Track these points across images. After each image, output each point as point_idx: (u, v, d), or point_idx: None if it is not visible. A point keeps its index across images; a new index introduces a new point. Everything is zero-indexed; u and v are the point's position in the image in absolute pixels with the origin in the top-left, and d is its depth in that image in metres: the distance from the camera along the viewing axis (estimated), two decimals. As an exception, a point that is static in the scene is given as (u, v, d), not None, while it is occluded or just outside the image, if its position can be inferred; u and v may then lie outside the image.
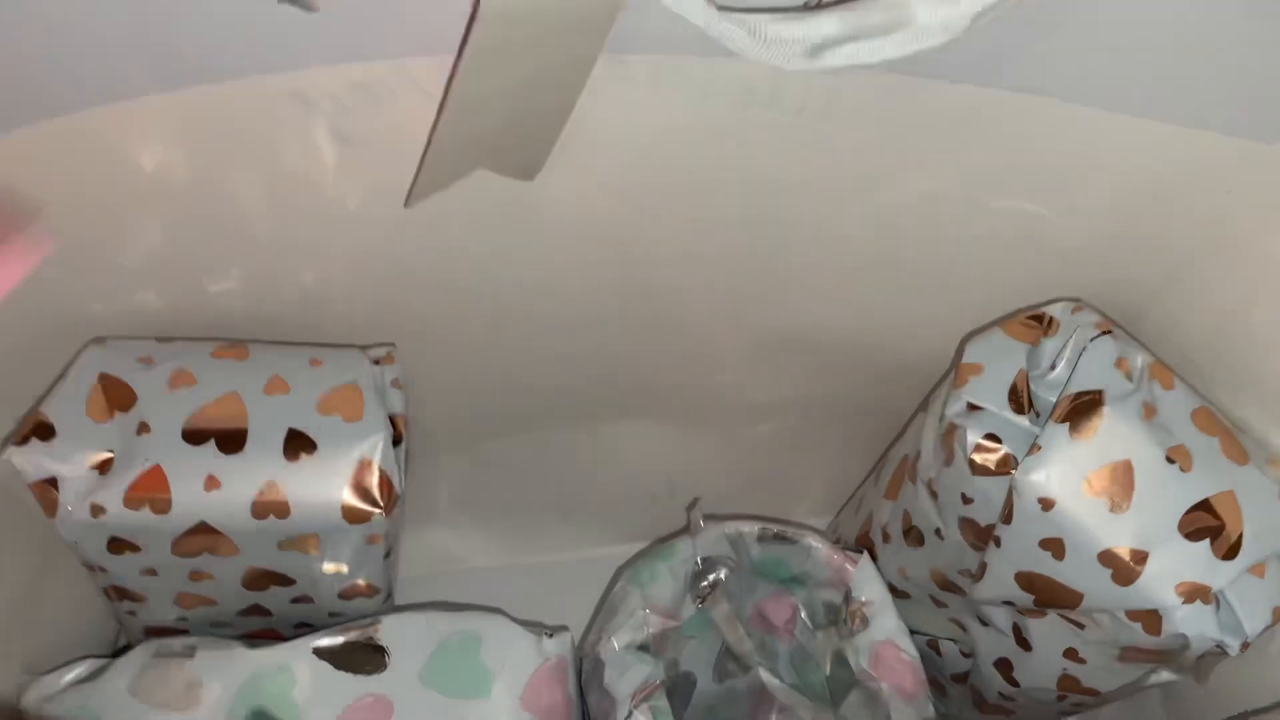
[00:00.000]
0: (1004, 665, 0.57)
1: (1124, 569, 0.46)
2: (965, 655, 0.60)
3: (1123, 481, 0.47)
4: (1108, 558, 0.46)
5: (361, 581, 0.55)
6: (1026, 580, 0.50)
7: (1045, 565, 0.49)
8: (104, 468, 0.49)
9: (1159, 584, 0.46)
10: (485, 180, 0.46)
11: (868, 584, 0.57)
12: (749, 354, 0.62)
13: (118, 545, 0.50)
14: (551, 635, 0.53)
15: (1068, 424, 0.48)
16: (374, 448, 0.50)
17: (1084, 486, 0.47)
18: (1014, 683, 0.57)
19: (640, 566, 0.58)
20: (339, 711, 0.49)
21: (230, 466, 0.49)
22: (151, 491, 0.48)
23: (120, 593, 0.54)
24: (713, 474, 0.71)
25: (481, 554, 0.75)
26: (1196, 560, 0.46)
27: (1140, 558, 0.46)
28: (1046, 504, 0.47)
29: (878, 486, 0.63)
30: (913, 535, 0.57)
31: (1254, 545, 0.46)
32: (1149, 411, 0.48)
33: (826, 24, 0.36)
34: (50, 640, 0.56)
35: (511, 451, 0.69)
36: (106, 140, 0.44)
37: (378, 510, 0.49)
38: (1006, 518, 0.49)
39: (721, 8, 0.35)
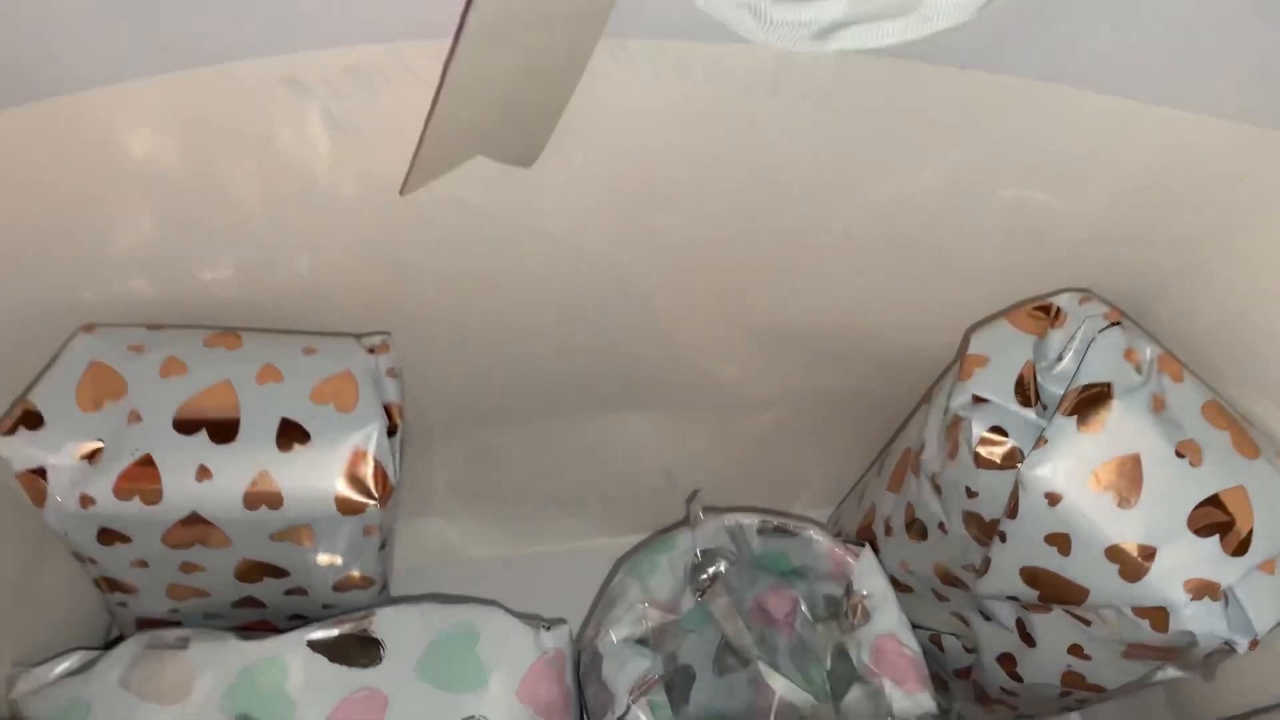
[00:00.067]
0: (1007, 661, 0.56)
1: (1131, 565, 0.46)
2: (968, 650, 0.60)
3: (1131, 476, 0.46)
4: (1115, 553, 0.46)
5: (356, 573, 0.55)
6: (1031, 576, 0.50)
7: (1051, 561, 0.48)
8: (93, 457, 0.48)
9: (1167, 580, 0.45)
10: (482, 167, 0.45)
11: (869, 577, 0.56)
12: (750, 344, 0.62)
13: (108, 536, 0.50)
14: (549, 628, 0.53)
15: (1075, 417, 0.47)
16: (368, 438, 0.49)
17: (1091, 481, 0.46)
18: (1017, 678, 0.56)
19: (639, 559, 0.58)
20: (333, 705, 0.49)
21: (222, 456, 0.48)
22: (142, 482, 0.48)
23: (111, 584, 0.54)
24: (712, 465, 0.71)
25: (479, 545, 0.75)
26: (1206, 556, 0.45)
27: (1148, 553, 0.45)
28: (1053, 498, 0.47)
29: (880, 479, 0.62)
30: (915, 529, 0.57)
31: (1264, 541, 0.46)
32: (1158, 404, 0.48)
33: (833, 6, 0.35)
34: (42, 632, 0.55)
35: (510, 442, 0.68)
36: (94, 124, 0.43)
37: (372, 501, 0.49)
38: (1011, 512, 0.48)
39: (725, -11, 0.35)
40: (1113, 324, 0.50)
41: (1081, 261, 0.54)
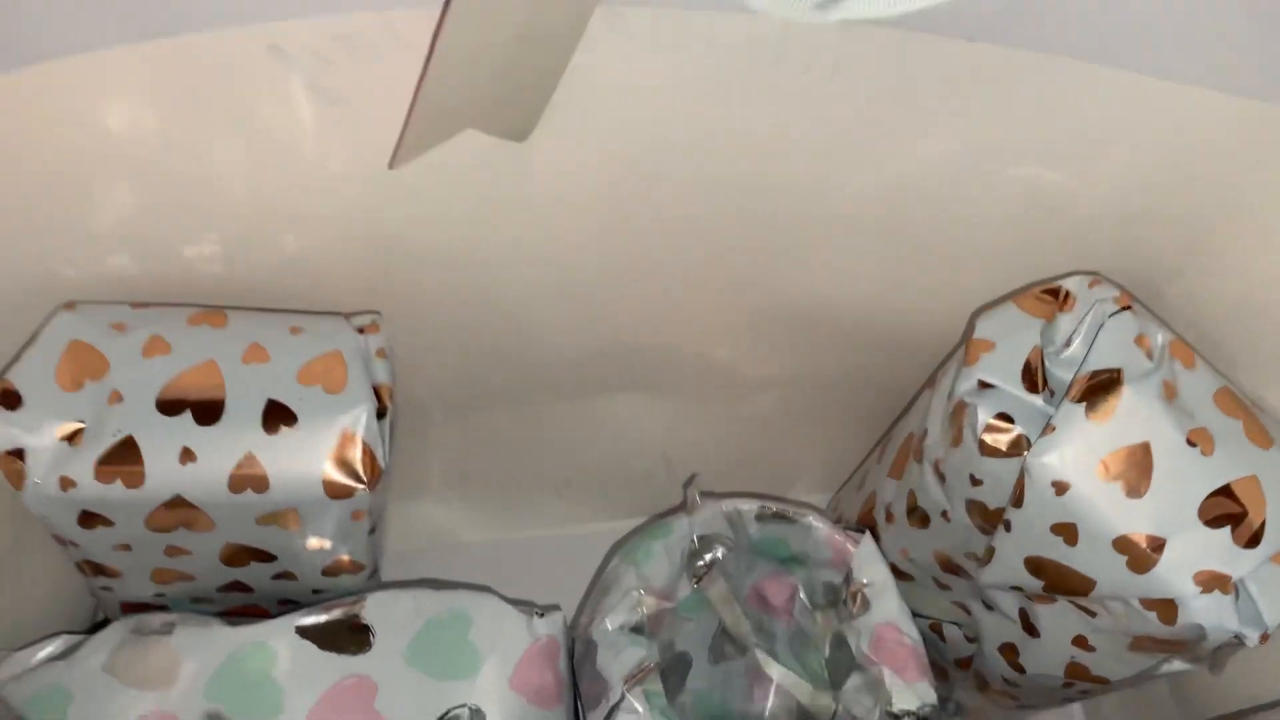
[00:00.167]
0: (1009, 651, 0.56)
1: (1140, 556, 0.45)
2: (969, 640, 0.60)
3: (1141, 465, 0.46)
4: (1123, 544, 0.45)
5: (345, 557, 0.54)
6: (1036, 566, 0.49)
7: (1057, 551, 0.48)
8: (74, 439, 0.47)
9: (1176, 572, 0.45)
10: (474, 141, 0.45)
11: (869, 565, 0.56)
12: (749, 326, 0.61)
13: (89, 519, 0.49)
14: (543, 614, 0.52)
15: (1084, 404, 0.46)
16: (357, 420, 0.49)
17: (1100, 469, 0.46)
18: (1019, 669, 0.56)
19: (635, 544, 0.57)
20: (321, 692, 0.49)
21: (206, 438, 0.48)
22: (124, 464, 0.47)
23: (94, 568, 0.53)
24: (710, 449, 0.71)
25: (472, 529, 0.75)
26: (1216, 548, 0.45)
27: (1157, 545, 0.45)
28: (1060, 487, 0.46)
29: (881, 465, 0.62)
30: (917, 516, 0.56)
31: (1277, 533, 0.45)
32: (1170, 391, 0.47)
33: (838, -27, 0.34)
34: (24, 615, 0.55)
35: (503, 424, 0.68)
36: (70, 94, 0.43)
37: (360, 485, 0.49)
38: (1017, 501, 0.48)
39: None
40: (1123, 308, 0.49)
41: (1091, 243, 0.53)
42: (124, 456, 0.47)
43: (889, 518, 0.59)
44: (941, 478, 0.53)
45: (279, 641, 0.49)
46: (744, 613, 0.58)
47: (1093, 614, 0.49)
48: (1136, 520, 0.45)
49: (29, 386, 0.48)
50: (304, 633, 0.49)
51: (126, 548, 0.51)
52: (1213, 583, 0.44)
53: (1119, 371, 0.47)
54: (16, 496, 0.48)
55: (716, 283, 0.58)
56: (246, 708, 0.48)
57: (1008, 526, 0.49)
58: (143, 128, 0.45)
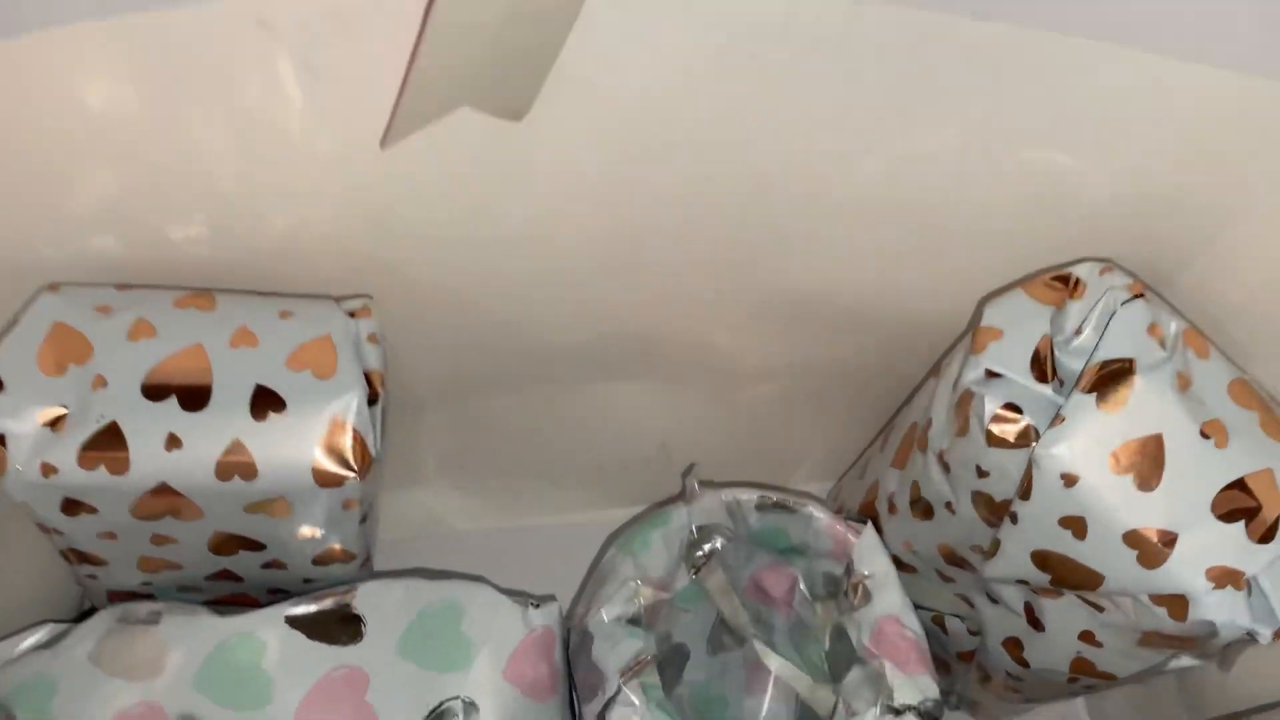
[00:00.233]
0: (1013, 645, 0.56)
1: (1151, 551, 0.44)
2: (972, 633, 0.59)
3: (1153, 457, 0.45)
4: (1133, 538, 0.45)
5: (336, 546, 0.54)
6: (1043, 559, 0.48)
7: (1064, 544, 0.47)
8: (57, 424, 0.47)
9: (1188, 567, 0.44)
10: (468, 120, 0.44)
11: (871, 556, 0.55)
12: (750, 312, 0.61)
13: (73, 506, 0.48)
14: (538, 605, 0.51)
15: (1095, 394, 0.46)
16: (347, 407, 0.48)
17: (1110, 462, 0.45)
18: (1023, 663, 0.56)
19: (632, 534, 0.57)
20: (311, 683, 0.48)
21: (193, 424, 0.47)
22: (108, 450, 0.46)
23: (79, 556, 0.53)
24: (710, 437, 0.71)
25: (466, 517, 0.75)
26: (1230, 543, 0.44)
27: (1169, 539, 0.44)
28: (1069, 480, 0.45)
29: (884, 454, 0.61)
30: (920, 507, 0.56)
31: (1292, 528, 0.44)
32: (1183, 382, 0.47)
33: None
34: (9, 603, 0.54)
35: (498, 411, 0.68)
36: (48, 69, 0.42)
37: (351, 473, 0.48)
38: (1024, 493, 0.47)
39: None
40: (1135, 296, 0.48)
41: (1103, 228, 0.53)
42: (108, 442, 0.46)
43: (892, 509, 0.59)
44: (946, 468, 0.52)
45: (268, 631, 0.49)
46: (742, 603, 0.59)
47: (1100, 609, 0.48)
48: (1148, 514, 0.44)
49: (10, 370, 0.47)
50: (294, 623, 0.49)
51: (112, 536, 0.50)
52: (1225, 578, 0.44)
53: (1131, 361, 0.46)
54: (-2, 483, 0.47)
55: (718, 266, 0.57)
56: (235, 699, 0.47)
57: (1014, 519, 0.48)
58: (126, 105, 0.44)
